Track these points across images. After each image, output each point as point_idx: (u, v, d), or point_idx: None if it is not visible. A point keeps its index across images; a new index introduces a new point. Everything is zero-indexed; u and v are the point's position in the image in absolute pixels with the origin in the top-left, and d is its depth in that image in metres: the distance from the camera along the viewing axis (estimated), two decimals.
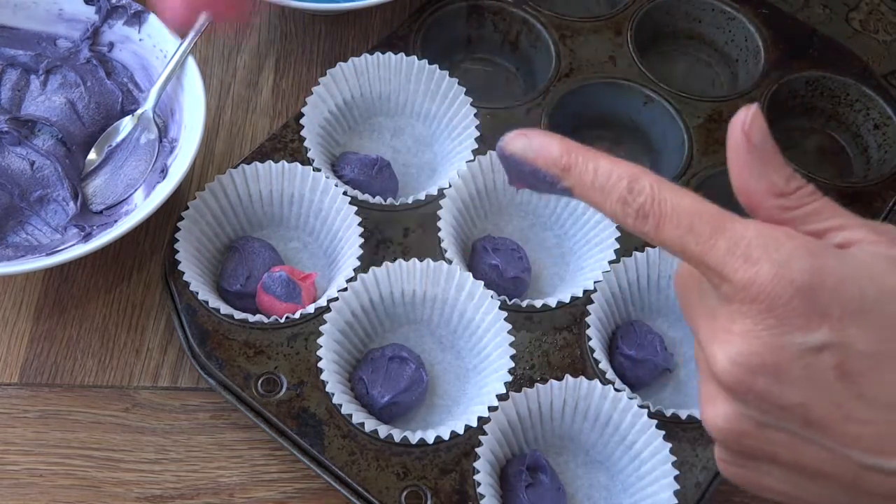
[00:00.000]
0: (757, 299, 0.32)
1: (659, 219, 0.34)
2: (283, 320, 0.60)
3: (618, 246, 0.63)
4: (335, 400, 0.56)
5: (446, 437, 0.56)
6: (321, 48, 0.79)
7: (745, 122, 0.36)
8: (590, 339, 0.60)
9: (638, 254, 0.63)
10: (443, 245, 0.63)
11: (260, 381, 0.58)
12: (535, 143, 0.35)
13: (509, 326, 0.59)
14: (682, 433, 0.58)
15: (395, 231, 0.65)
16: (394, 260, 0.62)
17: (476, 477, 0.55)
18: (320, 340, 0.58)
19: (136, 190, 0.65)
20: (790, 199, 0.35)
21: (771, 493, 0.36)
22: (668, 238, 0.34)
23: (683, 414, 0.58)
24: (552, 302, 0.62)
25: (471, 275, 0.61)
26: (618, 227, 0.64)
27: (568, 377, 0.57)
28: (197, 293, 0.60)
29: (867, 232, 0.34)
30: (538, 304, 0.62)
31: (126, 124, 0.67)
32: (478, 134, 0.68)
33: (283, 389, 0.57)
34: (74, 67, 0.69)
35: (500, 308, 0.60)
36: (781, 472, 0.35)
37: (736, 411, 0.34)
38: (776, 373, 0.32)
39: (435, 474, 0.55)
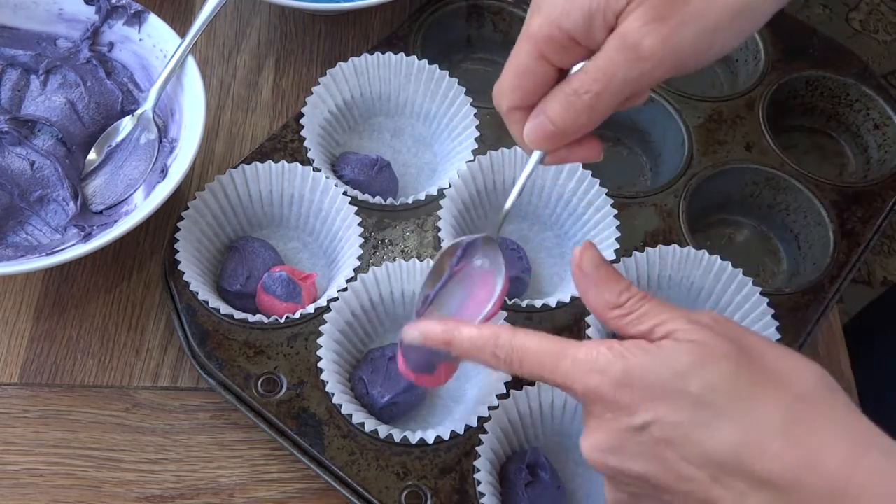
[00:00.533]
0: (594, 401, 0.42)
1: (520, 362, 0.44)
2: (283, 320, 0.60)
3: (617, 246, 0.63)
4: (335, 400, 0.56)
5: (446, 437, 0.56)
6: (321, 48, 0.79)
7: (577, 258, 0.46)
8: (590, 338, 0.60)
9: (638, 254, 0.63)
10: (443, 245, 0.63)
11: (260, 381, 0.58)
12: (425, 331, 0.47)
13: (509, 325, 0.59)
14: None
15: (395, 231, 0.65)
16: (394, 260, 0.62)
17: (477, 476, 0.55)
18: (320, 340, 0.58)
19: (136, 190, 0.65)
20: (623, 309, 0.44)
21: None
22: (527, 373, 0.44)
23: None
24: (552, 302, 0.62)
25: None
26: (617, 227, 0.64)
27: None
28: (197, 293, 0.60)
29: (683, 322, 0.42)
30: (538, 304, 0.62)
31: (126, 124, 0.67)
32: (478, 134, 0.68)
33: (283, 389, 0.57)
34: (74, 67, 0.69)
35: (500, 307, 0.60)
36: None
37: (611, 488, 0.44)
38: (618, 450, 0.42)
39: (435, 474, 0.55)
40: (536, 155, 0.48)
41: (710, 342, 0.41)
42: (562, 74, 0.45)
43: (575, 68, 0.45)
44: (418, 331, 0.47)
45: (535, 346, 0.44)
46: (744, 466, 0.39)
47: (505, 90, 0.47)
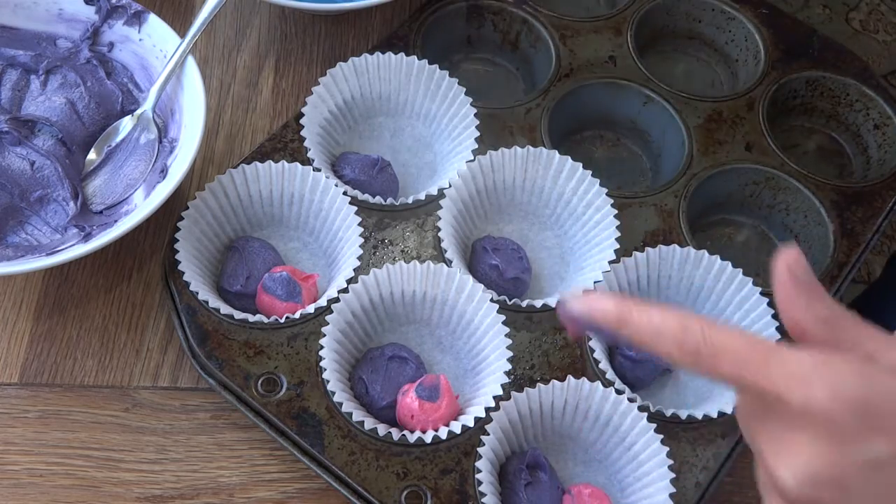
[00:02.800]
0: (815, 418, 0.34)
1: (714, 356, 0.36)
2: (283, 320, 0.60)
3: (617, 246, 0.63)
4: (335, 399, 0.56)
5: (444, 437, 0.56)
6: (321, 48, 0.79)
7: (790, 262, 0.38)
8: (590, 339, 0.60)
9: (638, 254, 0.63)
10: (443, 245, 0.63)
11: (260, 381, 0.58)
12: (594, 305, 0.39)
13: (508, 329, 0.59)
14: (683, 433, 0.58)
15: (395, 231, 0.65)
16: (394, 260, 0.62)
17: (478, 476, 0.55)
18: (322, 341, 0.58)
19: (136, 190, 0.65)
20: (834, 326, 0.38)
21: None
22: (725, 371, 0.36)
23: (683, 414, 0.58)
24: (552, 302, 0.62)
25: (471, 276, 0.61)
26: (617, 227, 0.64)
27: (570, 378, 0.57)
28: (197, 293, 0.60)
29: None
30: (538, 304, 0.62)
31: (126, 124, 0.67)
32: (478, 134, 0.68)
33: (283, 389, 0.57)
34: (74, 67, 0.69)
35: (501, 308, 0.60)
36: None
37: None
38: (840, 485, 0.35)
39: (435, 474, 0.55)
40: None
41: None
42: None
43: None
44: (586, 302, 0.39)
45: (739, 337, 0.36)
46: None
47: None
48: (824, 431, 0.35)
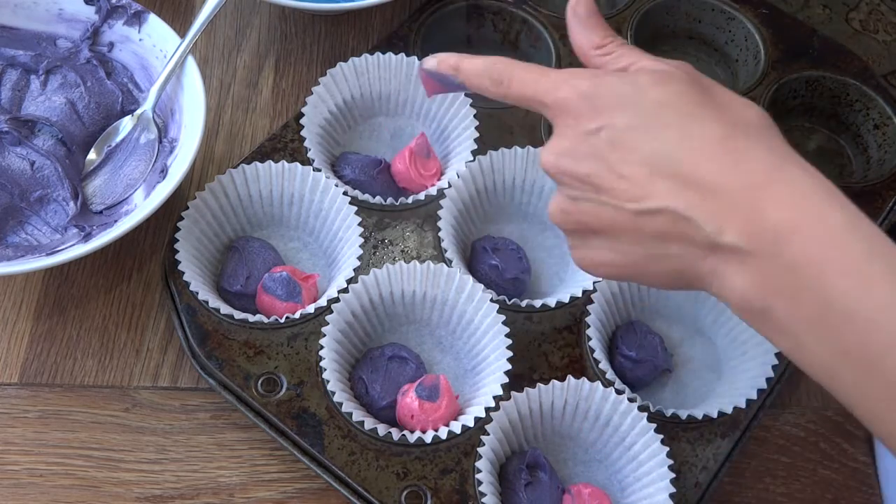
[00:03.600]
0: (561, 113, 0.47)
1: (510, 81, 0.49)
2: (283, 320, 0.60)
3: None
4: (335, 398, 0.56)
5: (444, 437, 0.56)
6: (321, 48, 0.79)
7: (574, 3, 0.51)
8: (590, 339, 0.60)
9: None
10: (443, 245, 0.63)
11: (260, 381, 0.58)
12: (439, 57, 0.52)
13: (508, 329, 0.59)
14: (682, 433, 0.58)
15: (395, 231, 0.65)
16: (394, 260, 0.62)
17: (478, 476, 0.55)
18: (322, 341, 0.58)
19: (135, 190, 0.65)
20: (605, 49, 0.50)
21: (605, 268, 0.48)
22: (514, 92, 0.49)
23: (683, 414, 0.58)
24: (552, 302, 0.62)
25: (471, 277, 0.61)
26: None
27: (570, 378, 0.57)
28: (197, 293, 0.60)
29: (654, 61, 0.48)
30: (537, 304, 0.62)
31: (125, 124, 0.67)
32: (477, 135, 0.68)
33: (283, 389, 0.58)
34: (74, 67, 0.69)
35: (500, 308, 0.60)
36: (599, 240, 0.47)
37: (559, 195, 0.48)
38: (570, 153, 0.46)
39: (435, 474, 0.55)
40: None
41: (671, 71, 0.47)
42: None
43: None
44: (435, 59, 0.53)
45: (524, 67, 0.49)
46: (676, 165, 0.43)
47: None
48: (565, 118, 0.46)
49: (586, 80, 0.47)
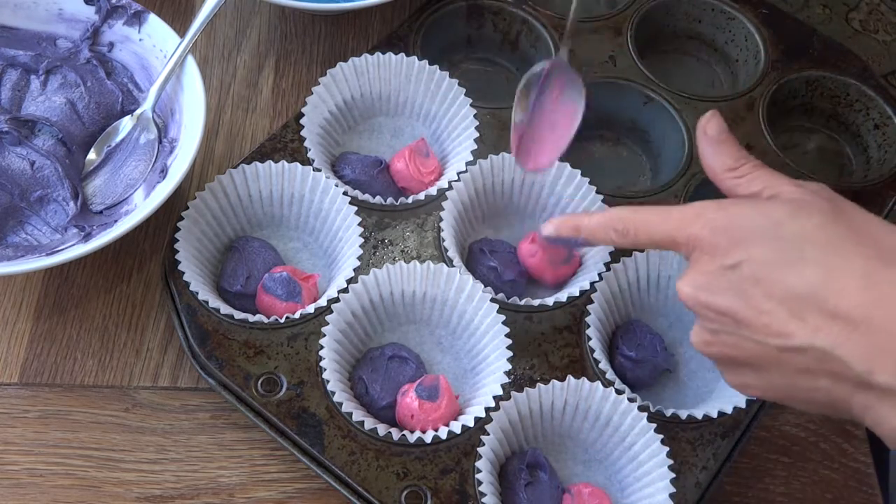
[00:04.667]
0: (695, 247, 0.47)
1: (635, 231, 0.50)
2: (283, 320, 0.60)
3: (612, 248, 0.63)
4: (335, 398, 0.56)
5: (444, 437, 0.56)
6: (321, 48, 0.79)
7: (704, 123, 0.52)
8: (590, 339, 0.60)
9: (638, 254, 0.63)
10: (444, 244, 0.63)
11: (260, 381, 0.58)
12: (555, 223, 0.55)
13: (507, 329, 0.59)
14: (683, 433, 0.58)
15: (395, 231, 0.65)
16: (394, 260, 0.62)
17: (478, 476, 0.55)
18: (322, 341, 0.58)
19: (135, 190, 0.65)
20: (738, 171, 0.49)
21: (753, 391, 0.48)
22: (643, 240, 0.50)
23: (683, 414, 0.58)
24: (551, 302, 0.62)
25: (471, 276, 0.61)
26: None
27: (570, 378, 0.57)
28: (197, 293, 0.60)
29: (791, 186, 0.47)
30: (536, 303, 0.62)
31: (125, 124, 0.67)
32: (477, 135, 0.68)
33: (283, 389, 0.57)
34: (74, 67, 0.69)
35: (500, 308, 0.60)
36: (745, 369, 0.47)
37: (699, 326, 0.48)
38: (709, 287, 0.46)
39: (435, 474, 0.55)
40: None
41: (809, 199, 0.46)
42: None
43: None
44: (552, 225, 0.55)
45: (646, 211, 0.50)
46: (820, 302, 0.42)
47: None
48: (700, 254, 0.47)
49: (719, 214, 0.46)
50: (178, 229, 0.62)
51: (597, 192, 0.65)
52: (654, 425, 0.56)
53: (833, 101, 0.76)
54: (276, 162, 0.65)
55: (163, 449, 0.59)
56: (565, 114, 0.59)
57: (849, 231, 0.44)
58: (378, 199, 0.65)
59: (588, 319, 0.60)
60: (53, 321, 0.64)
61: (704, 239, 0.46)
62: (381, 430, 0.56)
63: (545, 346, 0.61)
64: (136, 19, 0.69)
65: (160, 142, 0.67)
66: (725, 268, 0.45)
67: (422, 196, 0.66)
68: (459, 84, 0.70)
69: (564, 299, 0.62)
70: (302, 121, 0.67)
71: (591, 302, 0.61)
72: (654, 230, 0.49)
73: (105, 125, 0.68)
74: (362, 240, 0.63)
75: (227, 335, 0.59)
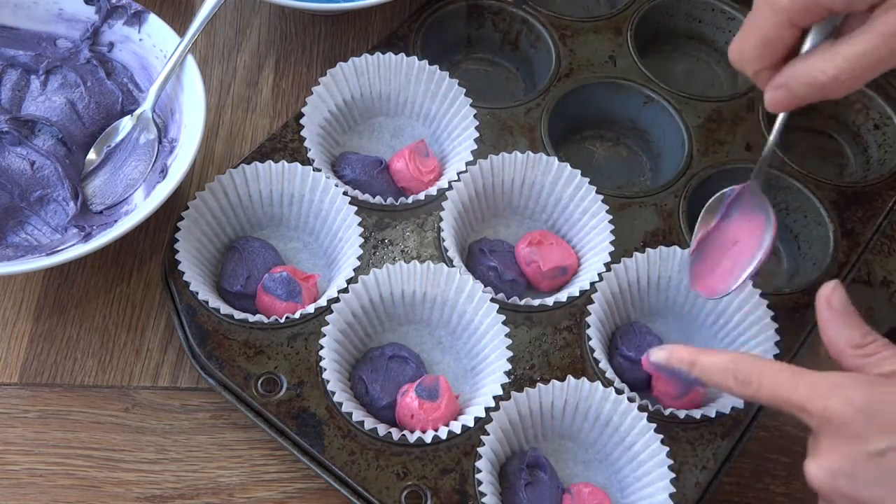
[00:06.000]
0: (830, 423, 0.43)
1: (759, 384, 0.47)
2: (283, 320, 0.60)
3: (612, 249, 0.63)
4: (335, 398, 0.56)
5: (444, 437, 0.56)
6: (321, 48, 0.79)
7: (827, 295, 0.48)
8: (590, 339, 0.60)
9: (638, 255, 0.63)
10: (444, 244, 0.63)
11: (260, 381, 0.58)
12: (673, 356, 0.51)
13: (507, 329, 0.59)
14: (683, 433, 0.58)
15: (395, 231, 0.65)
16: (394, 260, 0.62)
17: (478, 476, 0.55)
18: (322, 341, 0.58)
19: (135, 190, 0.65)
20: (866, 350, 0.46)
21: None
22: (765, 395, 0.46)
23: (683, 414, 0.58)
24: (550, 302, 0.62)
25: (471, 276, 0.61)
26: (612, 232, 0.64)
27: (570, 378, 0.57)
28: (197, 293, 0.60)
29: None
30: (536, 303, 0.62)
31: (125, 124, 0.67)
32: (477, 135, 0.68)
33: (283, 389, 0.58)
34: (74, 67, 0.69)
35: (500, 308, 0.60)
36: None
37: None
38: (850, 475, 0.43)
39: (435, 474, 0.55)
40: (782, 116, 0.55)
41: None
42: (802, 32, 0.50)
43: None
44: (666, 351, 0.52)
45: (775, 368, 0.47)
46: None
47: (751, 57, 0.51)
48: (839, 434, 0.43)
49: (859, 391, 0.43)
50: (178, 229, 0.62)
51: (597, 192, 0.65)
52: (654, 425, 0.56)
53: (833, 101, 0.76)
54: (276, 162, 0.65)
55: (163, 449, 0.59)
56: (749, 242, 0.57)
57: None
58: (378, 199, 0.65)
59: (588, 320, 0.60)
60: (53, 321, 0.64)
61: (844, 417, 0.43)
62: (381, 430, 0.56)
63: (545, 346, 0.61)
64: (136, 19, 0.69)
65: (160, 142, 0.67)
66: (871, 454, 0.42)
67: (422, 196, 0.66)
68: (459, 84, 0.70)
69: (564, 299, 0.62)
70: (302, 121, 0.67)
71: (592, 302, 0.61)
72: (782, 391, 0.45)
73: (105, 125, 0.68)
74: (362, 240, 0.63)
75: (227, 335, 0.59)
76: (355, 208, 0.63)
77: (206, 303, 0.60)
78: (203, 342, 0.59)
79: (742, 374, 0.47)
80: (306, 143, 0.66)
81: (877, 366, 0.46)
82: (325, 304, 0.60)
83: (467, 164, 0.66)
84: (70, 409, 0.61)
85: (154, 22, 0.68)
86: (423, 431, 0.56)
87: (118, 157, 0.67)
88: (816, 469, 0.44)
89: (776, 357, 0.59)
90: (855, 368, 0.47)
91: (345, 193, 0.64)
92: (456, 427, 0.56)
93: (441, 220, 0.63)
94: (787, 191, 0.69)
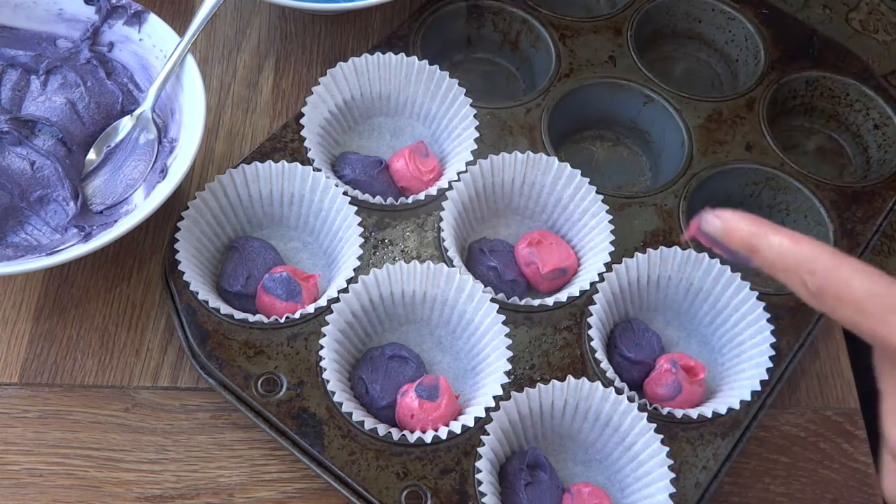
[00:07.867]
0: None
1: (834, 301, 0.37)
2: (283, 320, 0.60)
3: (612, 249, 0.63)
4: (335, 398, 0.56)
5: (444, 437, 0.56)
6: (321, 48, 0.79)
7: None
8: (591, 339, 0.60)
9: (639, 254, 0.63)
10: (444, 244, 0.63)
11: (260, 381, 0.58)
12: (731, 226, 0.41)
13: (507, 329, 0.59)
14: (683, 433, 0.58)
15: (395, 231, 0.65)
16: (394, 260, 0.62)
17: (478, 476, 0.55)
18: (322, 341, 0.58)
19: (135, 190, 0.65)
20: None
21: None
22: (844, 317, 0.37)
23: (679, 413, 0.58)
24: (550, 302, 0.62)
25: (471, 276, 0.61)
26: (612, 232, 0.64)
27: (570, 378, 0.57)
28: (197, 293, 0.60)
29: None
30: (536, 303, 0.62)
31: (125, 124, 0.67)
32: (477, 135, 0.68)
33: (283, 389, 0.58)
34: (74, 68, 0.69)
35: (500, 308, 0.60)
36: None
37: None
38: None
39: (435, 474, 0.55)
40: None
41: None
42: None
43: None
44: (721, 221, 0.41)
45: (860, 285, 0.37)
46: None
47: None
48: None
49: None
50: (178, 229, 0.62)
51: (597, 192, 0.66)
52: (654, 425, 0.56)
53: (833, 101, 0.76)
54: (276, 162, 0.65)
55: (163, 449, 0.59)
56: None
57: None
58: (378, 199, 0.65)
59: (590, 320, 0.60)
60: (53, 321, 0.64)
61: None
62: (381, 430, 0.56)
63: (545, 346, 0.61)
64: (136, 19, 0.69)
65: (160, 142, 0.67)
66: None
67: (422, 196, 0.66)
68: (459, 84, 0.70)
69: (564, 299, 0.62)
70: (302, 121, 0.67)
71: (593, 303, 0.61)
72: (866, 320, 0.37)
73: (105, 125, 0.68)
74: (362, 240, 0.63)
75: (227, 335, 0.59)
76: (355, 208, 0.64)
77: (206, 303, 0.60)
78: (203, 342, 0.59)
79: (816, 283, 0.38)
80: (306, 143, 0.66)
81: None
82: (325, 304, 0.60)
83: (467, 164, 0.66)
84: (70, 408, 0.61)
85: (154, 22, 0.68)
86: (423, 431, 0.56)
87: (118, 157, 0.67)
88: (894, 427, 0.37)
89: (772, 360, 0.59)
90: None
91: (345, 193, 0.64)
92: (456, 427, 0.56)
93: (441, 220, 0.63)
94: (787, 191, 0.69)
